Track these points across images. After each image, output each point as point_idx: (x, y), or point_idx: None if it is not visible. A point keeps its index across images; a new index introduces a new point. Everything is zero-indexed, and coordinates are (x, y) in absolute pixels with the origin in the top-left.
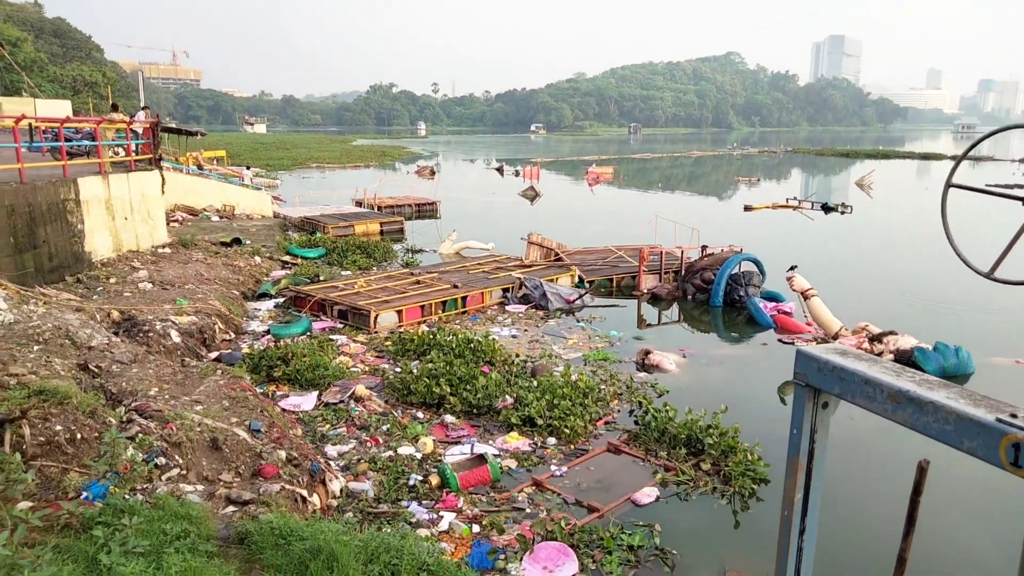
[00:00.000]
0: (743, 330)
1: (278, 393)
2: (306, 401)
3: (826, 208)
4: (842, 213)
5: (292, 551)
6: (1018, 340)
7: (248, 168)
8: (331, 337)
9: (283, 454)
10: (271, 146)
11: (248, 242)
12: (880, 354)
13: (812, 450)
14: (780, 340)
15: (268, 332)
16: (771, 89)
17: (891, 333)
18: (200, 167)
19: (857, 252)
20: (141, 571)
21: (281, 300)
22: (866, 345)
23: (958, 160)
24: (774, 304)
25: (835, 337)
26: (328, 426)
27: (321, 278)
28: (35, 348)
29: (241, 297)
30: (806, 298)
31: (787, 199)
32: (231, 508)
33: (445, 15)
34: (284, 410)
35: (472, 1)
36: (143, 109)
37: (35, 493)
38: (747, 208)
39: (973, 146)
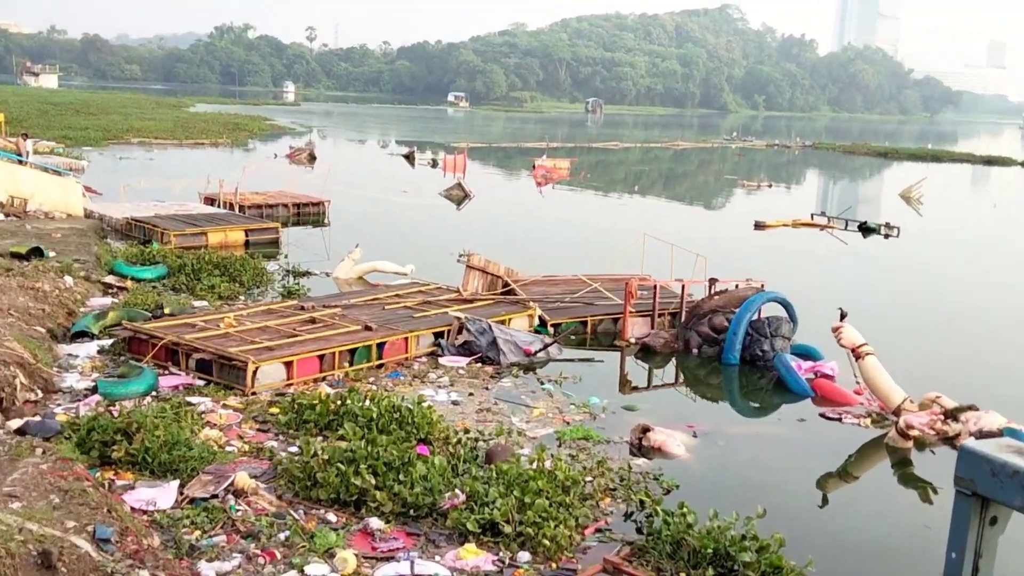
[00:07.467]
0: (768, 399)
1: (119, 482)
2: (163, 495)
3: (865, 229)
4: (886, 236)
5: None
6: None
7: (26, 138)
8: (189, 399)
9: (146, 575)
10: (68, 108)
11: (52, 254)
12: (958, 435)
13: None
14: (823, 415)
15: (95, 390)
16: (781, 59)
17: (971, 408)
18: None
19: (911, 292)
20: None
21: (108, 342)
22: (939, 424)
23: None
24: (810, 364)
25: (896, 412)
26: (199, 532)
27: (167, 310)
28: None
29: (49, 337)
30: (858, 357)
31: (812, 215)
32: None
33: None
34: (133, 508)
35: None
36: None
37: None
38: (759, 226)
39: None
